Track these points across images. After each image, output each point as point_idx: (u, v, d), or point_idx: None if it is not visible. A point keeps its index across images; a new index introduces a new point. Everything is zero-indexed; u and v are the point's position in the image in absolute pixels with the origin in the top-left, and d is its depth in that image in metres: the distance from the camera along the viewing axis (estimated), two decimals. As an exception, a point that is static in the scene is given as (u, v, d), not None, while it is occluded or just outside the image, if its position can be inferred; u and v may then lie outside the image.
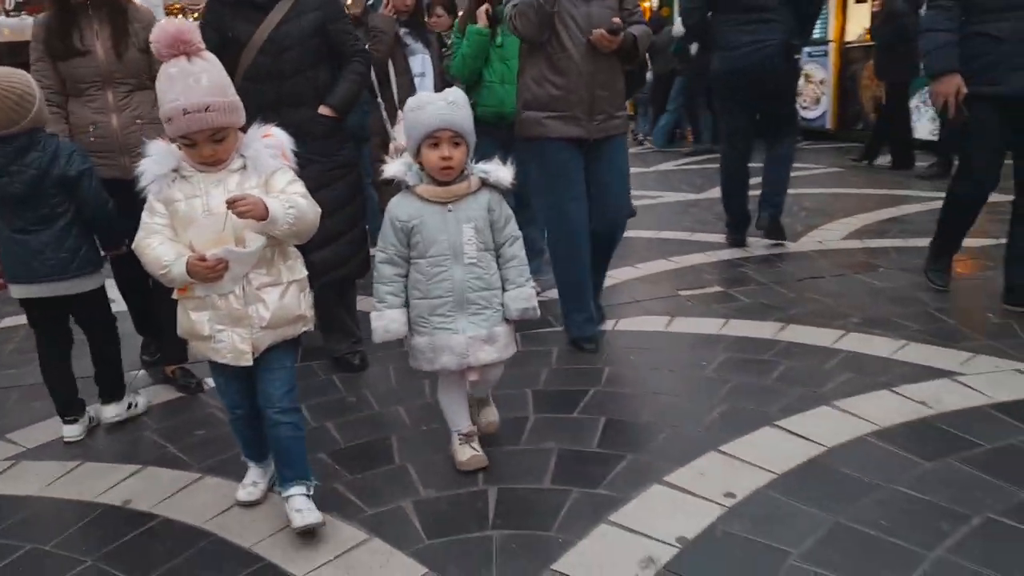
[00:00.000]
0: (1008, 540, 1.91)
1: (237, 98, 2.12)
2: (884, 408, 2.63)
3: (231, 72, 2.76)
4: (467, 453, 2.48)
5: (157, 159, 2.09)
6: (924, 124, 8.70)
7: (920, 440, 2.42)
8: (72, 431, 2.91)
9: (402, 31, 4.24)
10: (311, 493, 2.22)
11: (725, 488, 2.21)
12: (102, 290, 2.93)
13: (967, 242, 3.94)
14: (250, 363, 2.15)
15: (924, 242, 4.06)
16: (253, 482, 2.42)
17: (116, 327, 3.06)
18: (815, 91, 10.35)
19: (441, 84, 4.25)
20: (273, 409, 2.19)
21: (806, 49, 7.97)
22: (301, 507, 2.17)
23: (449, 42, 4.38)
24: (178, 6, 15.01)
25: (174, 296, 2.19)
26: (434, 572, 1.96)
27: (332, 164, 3.21)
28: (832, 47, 10.30)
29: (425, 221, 2.32)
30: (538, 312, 2.44)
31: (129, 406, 3.06)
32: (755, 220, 4.98)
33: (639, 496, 2.23)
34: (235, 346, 2.13)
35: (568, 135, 3.25)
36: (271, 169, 2.14)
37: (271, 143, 2.16)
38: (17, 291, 2.79)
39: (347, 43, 3.31)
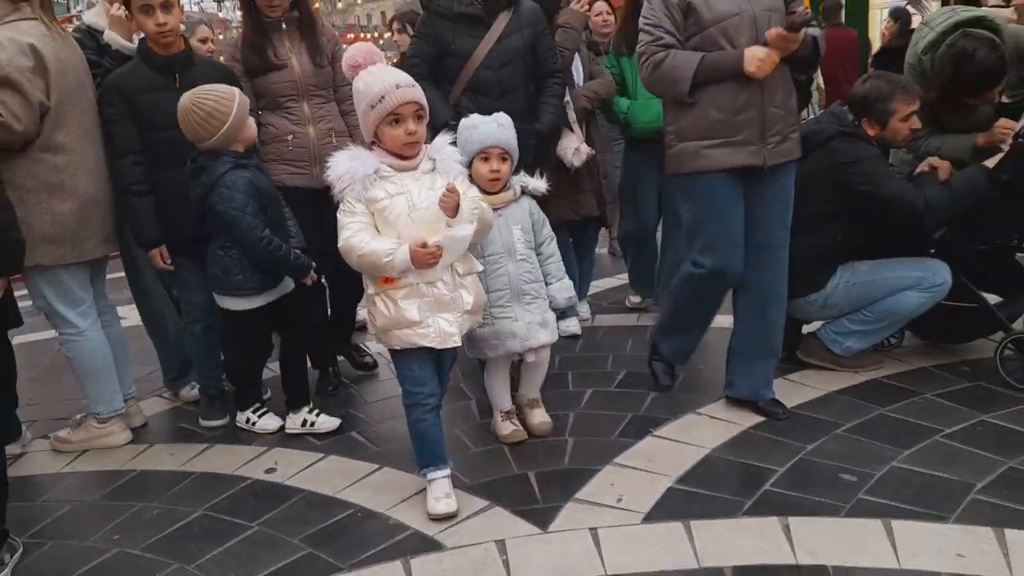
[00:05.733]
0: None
1: None
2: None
3: (451, 84, 3.22)
4: (508, 428, 2.83)
5: (360, 161, 2.30)
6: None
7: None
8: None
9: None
10: None
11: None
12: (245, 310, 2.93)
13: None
14: (458, 344, 2.36)
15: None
16: (446, 494, 2.40)
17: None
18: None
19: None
20: (443, 387, 2.55)
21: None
22: None
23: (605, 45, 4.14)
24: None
25: (370, 291, 2.36)
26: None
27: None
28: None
29: None
30: (576, 300, 3.12)
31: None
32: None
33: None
34: (442, 330, 2.31)
35: (735, 164, 2.72)
36: (456, 172, 2.38)
37: (455, 150, 2.43)
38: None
39: (549, 60, 3.40)
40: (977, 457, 2.53)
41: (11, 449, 3.03)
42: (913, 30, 4.31)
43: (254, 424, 3.13)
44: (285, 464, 2.85)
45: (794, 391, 3.13)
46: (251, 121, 2.86)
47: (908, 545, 2.09)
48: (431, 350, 2.34)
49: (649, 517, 2.32)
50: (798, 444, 2.70)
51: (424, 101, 2.33)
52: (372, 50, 2.37)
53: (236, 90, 2.81)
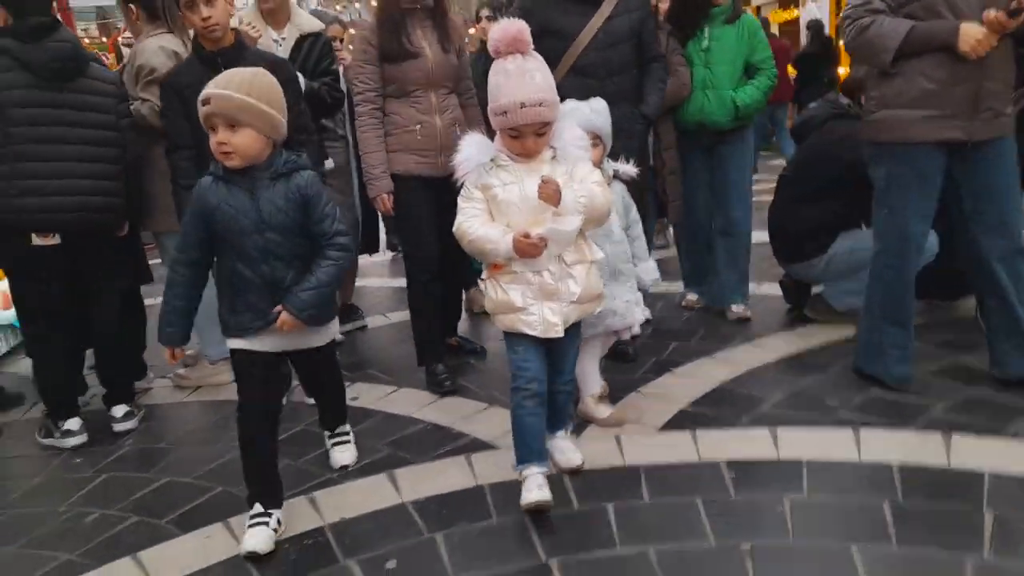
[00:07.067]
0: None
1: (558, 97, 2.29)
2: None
3: (552, 66, 2.70)
4: (606, 411, 2.91)
5: (479, 148, 2.31)
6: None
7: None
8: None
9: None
10: (569, 433, 2.68)
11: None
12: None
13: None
14: (560, 335, 2.31)
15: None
16: (539, 486, 2.32)
17: None
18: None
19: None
20: (561, 381, 2.51)
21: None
22: (565, 449, 2.59)
23: None
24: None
25: (484, 275, 2.41)
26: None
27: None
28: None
29: None
30: (659, 280, 3.05)
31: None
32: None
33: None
34: (546, 319, 2.29)
35: (939, 138, 2.71)
36: (575, 159, 2.32)
37: (579, 135, 2.35)
38: None
39: (653, 44, 3.40)
40: (944, 386, 3.01)
41: (140, 384, 3.75)
42: (827, 38, 5.09)
43: None
44: (366, 394, 3.46)
45: (800, 341, 3.64)
46: (213, 139, 2.27)
47: (869, 445, 2.59)
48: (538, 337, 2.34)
49: (663, 429, 2.86)
50: (796, 379, 3.21)
51: (550, 117, 2.23)
52: (518, 37, 2.19)
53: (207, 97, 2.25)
